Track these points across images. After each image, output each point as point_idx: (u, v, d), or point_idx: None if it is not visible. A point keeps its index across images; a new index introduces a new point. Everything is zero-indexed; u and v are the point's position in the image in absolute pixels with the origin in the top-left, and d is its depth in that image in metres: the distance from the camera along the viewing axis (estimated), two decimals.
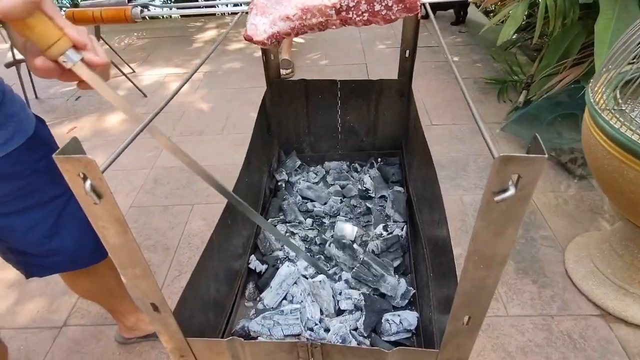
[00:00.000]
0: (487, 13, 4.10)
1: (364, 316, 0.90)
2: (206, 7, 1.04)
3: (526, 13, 2.34)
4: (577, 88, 2.07)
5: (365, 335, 0.88)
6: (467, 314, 0.49)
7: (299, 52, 3.41)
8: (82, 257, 0.97)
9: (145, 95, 2.88)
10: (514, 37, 2.46)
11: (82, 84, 0.53)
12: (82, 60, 0.50)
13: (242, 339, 0.60)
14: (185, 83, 0.64)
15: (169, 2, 5.14)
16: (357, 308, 0.94)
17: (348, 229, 1.11)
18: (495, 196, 0.37)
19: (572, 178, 1.92)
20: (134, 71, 3.22)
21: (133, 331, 1.32)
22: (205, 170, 0.70)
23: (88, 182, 0.41)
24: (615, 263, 1.35)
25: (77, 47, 0.49)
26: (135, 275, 0.51)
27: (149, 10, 0.91)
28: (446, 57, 0.65)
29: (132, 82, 2.87)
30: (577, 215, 1.73)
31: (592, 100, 1.16)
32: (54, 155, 0.39)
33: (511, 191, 0.36)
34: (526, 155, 0.34)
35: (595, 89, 1.17)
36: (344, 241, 1.07)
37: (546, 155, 0.34)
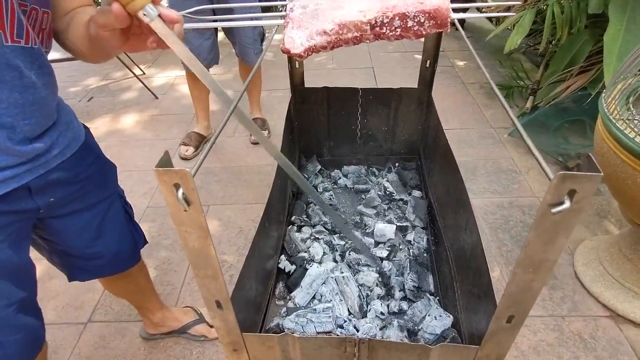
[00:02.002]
0: (490, 19, 4.16)
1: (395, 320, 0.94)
2: (243, 20, 1.08)
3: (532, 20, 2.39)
4: (583, 95, 2.13)
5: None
6: (511, 313, 0.54)
7: None
8: (120, 261, 1.02)
9: (157, 97, 2.91)
10: (520, 41, 2.52)
11: (153, 43, 0.56)
12: (159, 16, 0.52)
13: (294, 334, 0.65)
14: (240, 97, 0.69)
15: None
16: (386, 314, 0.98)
17: (388, 230, 1.16)
18: (552, 208, 0.41)
19: None
20: (144, 73, 3.25)
21: (158, 327, 1.37)
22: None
23: (180, 191, 0.45)
24: (624, 266, 1.40)
25: (154, 3, 0.52)
26: (207, 275, 0.55)
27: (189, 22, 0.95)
28: (484, 74, 0.69)
29: (143, 83, 2.91)
30: (585, 218, 1.78)
31: (605, 109, 1.21)
32: (154, 168, 0.44)
33: (566, 204, 0.41)
34: (583, 173, 0.39)
35: (609, 98, 1.23)
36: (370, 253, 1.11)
37: (602, 174, 0.38)
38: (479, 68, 3.15)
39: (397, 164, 1.48)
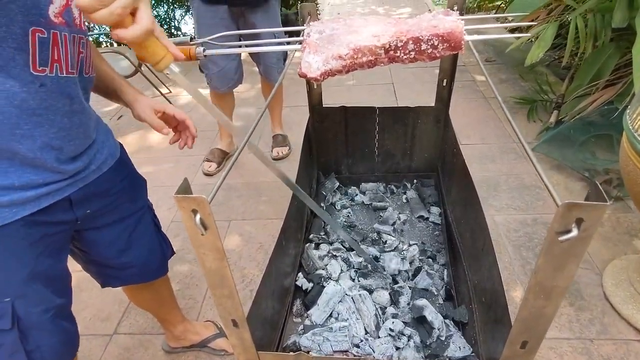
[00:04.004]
0: (512, 31, 4.12)
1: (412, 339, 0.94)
2: (260, 45, 1.13)
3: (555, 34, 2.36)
4: (610, 109, 2.07)
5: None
6: (525, 339, 0.54)
7: None
8: (150, 270, 1.06)
9: None
10: (541, 55, 2.49)
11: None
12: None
13: (309, 353, 0.66)
14: (260, 119, 0.72)
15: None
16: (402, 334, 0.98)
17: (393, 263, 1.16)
18: (559, 236, 0.42)
19: (608, 199, 1.91)
20: (170, 91, 3.38)
21: (180, 340, 1.40)
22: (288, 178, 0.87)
23: (198, 216, 0.48)
24: None
25: (176, 61, 0.65)
26: (223, 294, 0.57)
27: (208, 49, 1.00)
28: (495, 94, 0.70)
29: (169, 101, 3.03)
30: (614, 237, 1.72)
31: (630, 126, 1.18)
32: (173, 195, 0.47)
33: (574, 232, 0.41)
34: (589, 202, 0.39)
35: (634, 115, 1.20)
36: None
37: (608, 203, 0.39)
38: (501, 82, 3.11)
39: (415, 181, 1.48)
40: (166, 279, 1.22)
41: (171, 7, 4.74)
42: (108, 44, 4.90)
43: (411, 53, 0.91)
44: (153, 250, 1.04)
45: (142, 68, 2.93)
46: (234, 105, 2.38)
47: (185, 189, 0.49)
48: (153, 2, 4.71)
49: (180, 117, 0.99)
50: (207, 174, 2.34)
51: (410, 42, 0.89)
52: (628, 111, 1.22)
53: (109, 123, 3.03)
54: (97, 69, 0.90)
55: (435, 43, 0.89)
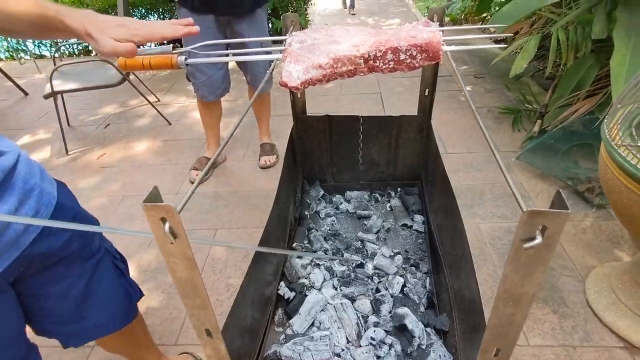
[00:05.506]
0: (497, 42, 4.21)
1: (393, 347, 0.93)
2: (242, 54, 1.14)
3: (539, 45, 2.41)
4: (592, 119, 2.11)
5: None
6: (497, 347, 0.54)
7: None
8: (115, 320, 0.95)
9: (170, 123, 3.01)
10: (525, 66, 2.54)
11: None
12: None
13: None
14: (236, 129, 0.72)
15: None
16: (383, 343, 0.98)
17: (388, 264, 1.16)
18: (524, 244, 0.42)
19: (590, 207, 1.94)
20: (159, 100, 3.37)
21: None
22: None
23: (167, 225, 0.48)
24: (637, 294, 1.36)
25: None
26: (196, 304, 0.57)
27: (191, 58, 1.00)
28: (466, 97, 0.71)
29: (157, 110, 3.01)
30: (596, 244, 1.74)
31: (607, 136, 1.21)
32: (142, 203, 0.46)
33: (538, 240, 0.41)
34: (551, 210, 0.39)
35: (611, 125, 1.22)
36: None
37: (570, 211, 0.39)
38: (486, 92, 3.16)
39: (399, 189, 1.49)
40: (140, 319, 1.10)
41: (161, 17, 4.74)
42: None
43: (390, 63, 0.92)
44: (116, 297, 0.93)
45: (130, 77, 2.92)
46: (221, 114, 2.38)
47: (154, 196, 0.48)
48: (143, 11, 4.71)
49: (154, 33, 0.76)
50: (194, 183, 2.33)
51: (389, 52, 0.90)
52: (605, 121, 1.25)
53: (95, 131, 3.01)
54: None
55: (414, 53, 0.90)
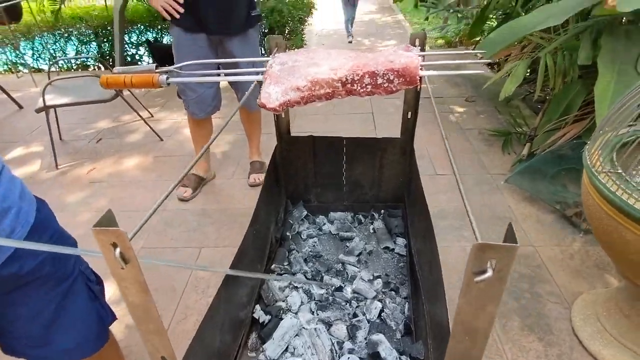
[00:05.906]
0: (491, 66, 4.28)
1: None
2: (225, 75, 1.14)
3: (529, 68, 2.45)
4: (579, 143, 2.13)
5: None
6: None
7: None
8: (83, 346, 0.92)
9: (162, 139, 3.02)
10: (514, 89, 2.58)
11: None
12: None
13: None
14: (214, 140, 0.71)
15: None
16: None
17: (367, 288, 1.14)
18: (475, 277, 0.41)
19: (578, 232, 1.93)
20: (152, 115, 3.39)
21: None
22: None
23: (117, 250, 0.47)
24: (622, 323, 1.33)
25: None
26: (149, 330, 0.55)
27: (173, 77, 1.00)
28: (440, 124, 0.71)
29: (149, 126, 3.02)
30: (583, 270, 1.72)
31: (588, 162, 1.21)
32: (92, 228, 0.45)
33: (489, 273, 0.40)
34: (500, 244, 0.39)
35: (592, 151, 1.23)
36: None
37: (518, 244, 0.38)
38: (478, 114, 3.19)
39: (382, 211, 1.48)
40: (112, 342, 1.06)
41: (159, 34, 4.82)
42: (95, 67, 4.93)
43: (368, 87, 0.92)
44: (87, 320, 0.90)
45: (124, 92, 2.94)
46: (212, 131, 2.39)
47: (109, 220, 0.47)
48: (142, 28, 4.78)
49: None
50: (182, 200, 2.31)
51: (367, 76, 0.91)
52: (587, 147, 1.26)
53: (87, 146, 3.01)
54: None
55: (391, 77, 0.91)
